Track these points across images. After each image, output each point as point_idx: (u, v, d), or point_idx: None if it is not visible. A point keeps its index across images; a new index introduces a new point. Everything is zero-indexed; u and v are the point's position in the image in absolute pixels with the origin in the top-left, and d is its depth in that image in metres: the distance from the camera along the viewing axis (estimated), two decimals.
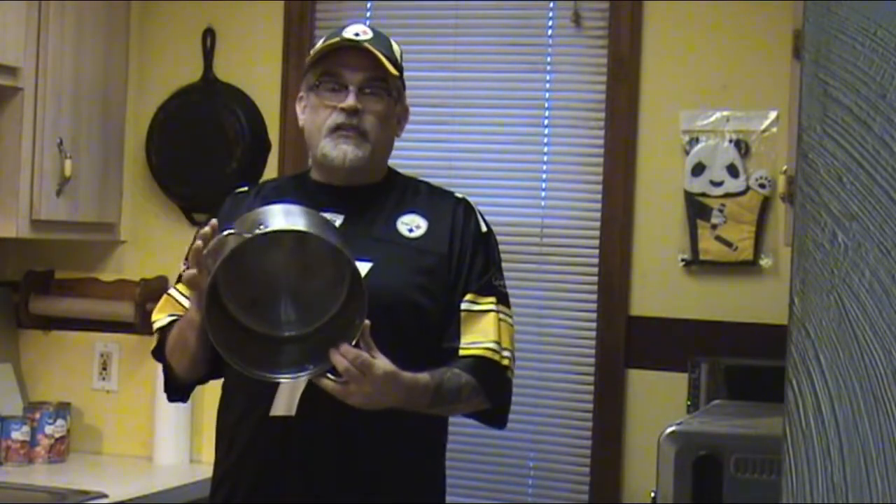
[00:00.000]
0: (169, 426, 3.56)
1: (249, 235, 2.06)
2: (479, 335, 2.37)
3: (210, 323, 2.09)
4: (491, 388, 2.38)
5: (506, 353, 2.39)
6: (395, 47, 2.48)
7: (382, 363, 2.15)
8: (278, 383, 2.27)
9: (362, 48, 2.38)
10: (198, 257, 2.14)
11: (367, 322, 2.12)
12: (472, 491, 3.41)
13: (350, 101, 2.37)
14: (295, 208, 2.18)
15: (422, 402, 2.27)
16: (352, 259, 2.12)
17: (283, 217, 2.12)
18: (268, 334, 2.19)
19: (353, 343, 2.12)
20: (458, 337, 2.37)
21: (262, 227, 2.07)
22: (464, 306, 2.39)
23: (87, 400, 3.73)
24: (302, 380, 2.19)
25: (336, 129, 2.39)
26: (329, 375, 2.14)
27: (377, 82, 2.41)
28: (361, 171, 2.42)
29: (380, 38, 2.44)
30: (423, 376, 2.25)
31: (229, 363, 2.15)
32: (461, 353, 2.36)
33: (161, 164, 3.65)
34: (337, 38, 2.41)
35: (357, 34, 2.41)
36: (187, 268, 2.27)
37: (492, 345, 2.38)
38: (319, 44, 2.46)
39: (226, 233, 2.10)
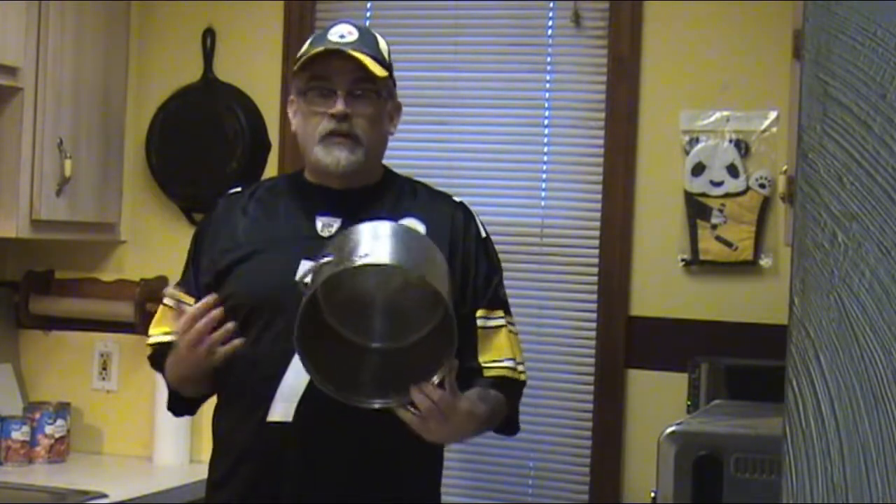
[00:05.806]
0: (169, 426, 3.55)
1: (348, 267, 2.07)
2: (497, 353, 2.41)
3: (301, 338, 2.09)
4: (513, 403, 2.45)
5: (521, 368, 2.44)
6: (383, 45, 2.45)
7: (464, 405, 2.19)
8: (276, 388, 2.28)
9: (347, 53, 2.36)
10: (192, 327, 2.18)
11: (455, 362, 2.13)
12: (472, 491, 3.41)
13: (339, 106, 2.36)
14: (386, 229, 2.18)
15: (472, 430, 2.32)
16: (447, 301, 2.12)
17: (379, 244, 2.12)
18: (357, 342, 2.21)
19: (438, 381, 2.13)
20: (475, 354, 2.39)
21: (359, 255, 2.08)
22: (479, 323, 2.40)
23: (87, 400, 3.73)
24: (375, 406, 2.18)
25: (328, 135, 2.37)
26: (410, 407, 2.15)
27: (366, 84, 2.39)
28: (356, 175, 2.41)
29: (366, 38, 2.41)
30: (481, 406, 2.29)
31: (315, 383, 2.16)
32: (485, 373, 2.39)
33: (161, 164, 3.65)
34: (321, 47, 2.38)
35: (343, 35, 2.39)
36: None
37: (510, 363, 2.41)
38: (305, 46, 2.44)
39: (322, 261, 2.10)
